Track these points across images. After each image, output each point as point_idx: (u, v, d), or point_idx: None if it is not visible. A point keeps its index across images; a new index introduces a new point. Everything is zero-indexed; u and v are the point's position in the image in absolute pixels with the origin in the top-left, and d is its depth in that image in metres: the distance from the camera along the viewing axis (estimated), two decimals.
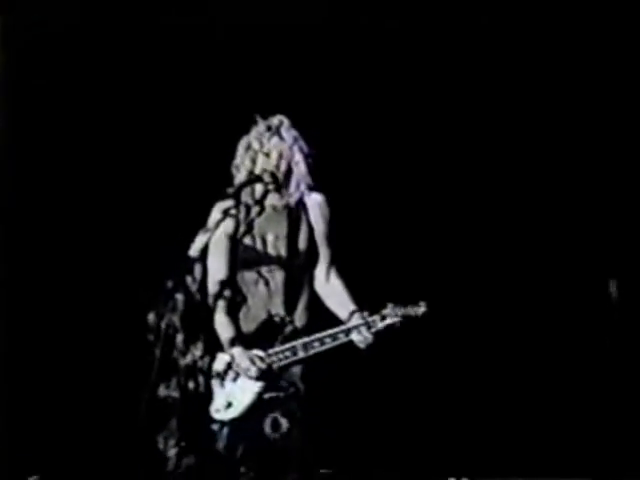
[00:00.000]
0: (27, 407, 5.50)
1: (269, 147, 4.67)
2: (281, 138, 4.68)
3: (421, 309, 4.44)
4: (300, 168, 4.71)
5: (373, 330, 4.46)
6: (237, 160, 4.77)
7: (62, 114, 6.15)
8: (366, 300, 4.60)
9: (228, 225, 4.69)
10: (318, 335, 4.49)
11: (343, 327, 4.49)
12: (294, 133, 4.74)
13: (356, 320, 4.48)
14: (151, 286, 4.53)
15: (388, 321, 4.45)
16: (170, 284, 4.43)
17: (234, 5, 6.08)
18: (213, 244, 4.68)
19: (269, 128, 4.71)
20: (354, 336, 4.45)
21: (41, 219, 6.02)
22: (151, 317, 4.49)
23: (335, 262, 4.70)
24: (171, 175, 5.89)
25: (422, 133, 6.31)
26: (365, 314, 4.50)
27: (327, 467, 4.86)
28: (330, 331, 4.50)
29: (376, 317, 4.47)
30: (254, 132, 4.73)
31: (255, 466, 4.45)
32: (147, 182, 5.89)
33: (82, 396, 5.51)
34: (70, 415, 5.50)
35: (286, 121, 4.74)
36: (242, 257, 4.67)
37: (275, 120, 4.74)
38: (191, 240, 4.56)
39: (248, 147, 4.73)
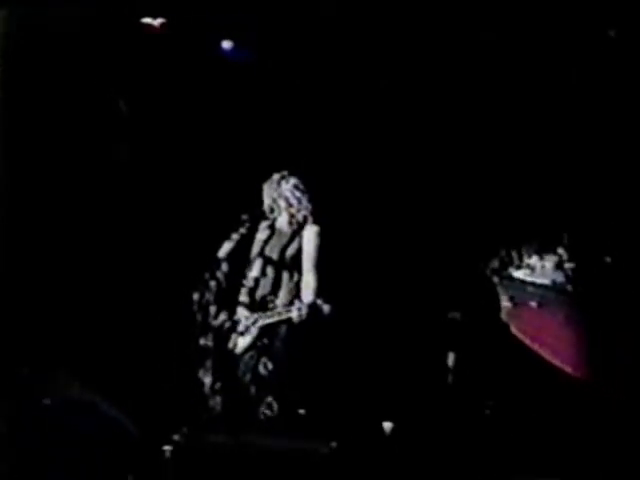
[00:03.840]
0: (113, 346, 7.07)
1: (268, 193, 6.86)
2: (277, 187, 6.83)
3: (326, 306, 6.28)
4: (294, 207, 6.82)
5: (301, 313, 6.31)
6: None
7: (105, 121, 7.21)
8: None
9: (258, 241, 6.87)
10: (275, 310, 6.53)
11: (286, 308, 6.46)
12: (289, 184, 6.78)
13: (295, 305, 6.39)
14: (195, 276, 6.64)
15: (303, 311, 6.28)
16: (207, 275, 6.64)
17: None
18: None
19: (272, 181, 6.83)
20: (292, 314, 6.39)
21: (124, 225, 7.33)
22: (195, 295, 6.65)
23: (314, 270, 6.65)
24: (207, 202, 7.45)
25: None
26: (302, 303, 6.34)
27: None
28: (278, 309, 6.50)
29: (301, 305, 6.32)
30: (266, 185, 6.87)
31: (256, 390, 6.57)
32: (191, 209, 7.47)
33: (150, 346, 7.09)
34: (141, 361, 7.01)
35: (285, 176, 6.80)
36: (263, 261, 6.89)
37: (276, 175, 6.84)
38: (220, 246, 6.71)
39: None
